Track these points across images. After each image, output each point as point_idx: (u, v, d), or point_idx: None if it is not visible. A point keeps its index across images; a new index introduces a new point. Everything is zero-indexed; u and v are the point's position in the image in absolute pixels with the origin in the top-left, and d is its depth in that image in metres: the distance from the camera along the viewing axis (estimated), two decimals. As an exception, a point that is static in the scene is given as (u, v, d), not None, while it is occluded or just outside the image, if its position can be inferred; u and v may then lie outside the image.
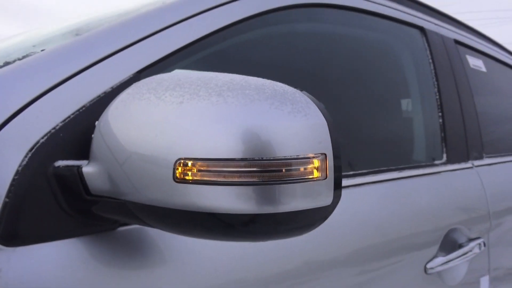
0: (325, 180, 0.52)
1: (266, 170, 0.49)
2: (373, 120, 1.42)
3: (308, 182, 0.51)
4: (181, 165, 0.51)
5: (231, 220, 0.52)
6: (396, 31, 1.45)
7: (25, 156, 0.63)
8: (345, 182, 1.07)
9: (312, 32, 1.31)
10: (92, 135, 0.64)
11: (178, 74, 0.62)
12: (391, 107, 1.50)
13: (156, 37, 0.81)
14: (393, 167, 1.25)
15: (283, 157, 0.49)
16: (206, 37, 0.88)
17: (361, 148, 1.38)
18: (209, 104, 0.52)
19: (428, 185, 1.34)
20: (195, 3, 0.89)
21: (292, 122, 0.51)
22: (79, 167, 0.63)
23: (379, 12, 1.38)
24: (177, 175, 0.51)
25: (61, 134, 0.66)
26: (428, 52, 1.40)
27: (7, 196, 0.60)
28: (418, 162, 1.42)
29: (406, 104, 1.48)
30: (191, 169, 0.50)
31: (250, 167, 0.49)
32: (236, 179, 0.49)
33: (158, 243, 0.71)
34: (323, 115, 0.53)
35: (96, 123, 0.65)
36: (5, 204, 0.59)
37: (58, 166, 0.64)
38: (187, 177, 0.51)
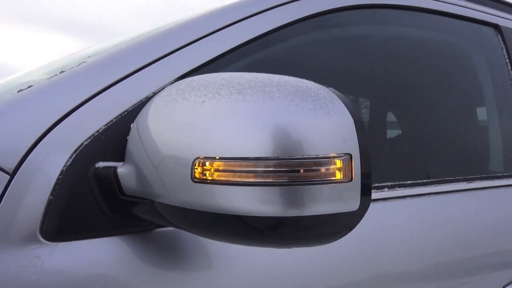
0: (351, 182, 0.48)
1: (281, 170, 0.46)
2: (444, 128, 1.31)
3: (331, 184, 0.47)
4: (200, 164, 0.50)
5: (256, 223, 0.49)
6: (467, 30, 1.33)
7: (70, 157, 0.66)
8: (415, 190, 1.00)
9: (378, 35, 1.26)
10: (127, 137, 0.67)
11: (208, 75, 0.62)
12: (463, 113, 1.38)
13: (200, 42, 0.82)
14: (471, 177, 1.14)
15: (300, 157, 0.46)
16: (252, 40, 0.87)
17: (431, 157, 1.28)
18: (228, 102, 0.51)
19: (507, 198, 1.20)
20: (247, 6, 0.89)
21: (313, 119, 0.47)
22: (115, 168, 0.65)
23: (447, 11, 1.28)
24: (196, 174, 0.50)
25: (102, 137, 0.69)
26: (504, 51, 1.27)
27: (52, 194, 0.64)
28: (495, 172, 1.28)
29: (480, 110, 1.35)
30: (209, 169, 0.49)
31: (263, 166, 0.46)
32: (250, 179, 0.47)
33: (193, 245, 0.70)
34: (350, 113, 0.49)
35: (132, 125, 0.67)
36: (49, 201, 0.63)
37: (98, 167, 0.67)
38: (205, 177, 0.50)
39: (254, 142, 0.47)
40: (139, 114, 0.66)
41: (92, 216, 0.66)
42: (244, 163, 0.47)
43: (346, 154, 0.47)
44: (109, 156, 0.69)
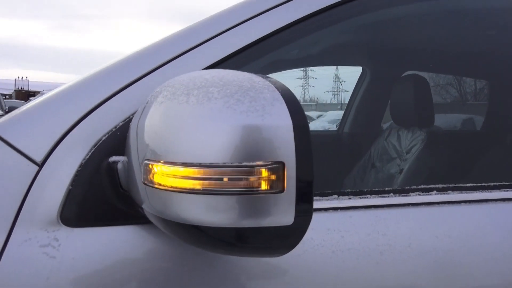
0: (282, 194, 0.43)
1: (204, 177, 0.44)
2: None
3: (257, 195, 0.43)
4: (147, 167, 0.50)
5: (208, 232, 0.48)
6: None
7: (89, 151, 0.73)
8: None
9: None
10: (127, 134, 0.70)
11: (189, 74, 0.61)
12: None
13: (215, 40, 0.81)
14: None
15: (222, 164, 0.43)
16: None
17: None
18: (175, 104, 0.50)
19: None
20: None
21: (242, 122, 0.43)
22: (117, 162, 0.69)
23: None
24: (145, 177, 0.51)
25: (118, 133, 0.75)
26: None
27: (71, 184, 0.72)
28: None
29: None
30: (154, 172, 0.50)
31: (191, 173, 0.44)
32: (182, 186, 0.46)
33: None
34: (291, 116, 0.44)
35: (130, 123, 0.71)
36: (68, 191, 0.71)
37: (110, 161, 0.72)
38: (151, 180, 0.50)
39: (184, 147, 0.45)
40: (136, 112, 0.69)
41: (104, 206, 0.72)
42: (174, 168, 0.46)
43: (276, 162, 0.42)
44: (123, 150, 0.74)
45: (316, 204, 0.74)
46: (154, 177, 0.49)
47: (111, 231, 0.71)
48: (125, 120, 0.76)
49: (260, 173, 0.42)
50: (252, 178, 0.42)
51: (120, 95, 0.77)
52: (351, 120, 2.10)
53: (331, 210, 0.75)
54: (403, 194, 0.79)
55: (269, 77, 0.50)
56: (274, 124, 0.43)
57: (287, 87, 0.47)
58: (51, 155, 0.73)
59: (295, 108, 0.44)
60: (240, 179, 0.43)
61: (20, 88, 37.90)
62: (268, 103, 0.44)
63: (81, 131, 0.75)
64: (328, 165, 1.97)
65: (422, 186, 0.81)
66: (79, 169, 0.72)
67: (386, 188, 0.80)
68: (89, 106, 0.76)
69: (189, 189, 0.45)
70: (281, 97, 0.45)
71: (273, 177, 0.42)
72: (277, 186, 0.42)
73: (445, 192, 0.81)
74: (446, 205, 0.80)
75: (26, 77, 42.34)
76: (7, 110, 8.47)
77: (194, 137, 0.45)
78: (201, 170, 0.44)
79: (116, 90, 0.78)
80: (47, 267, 0.67)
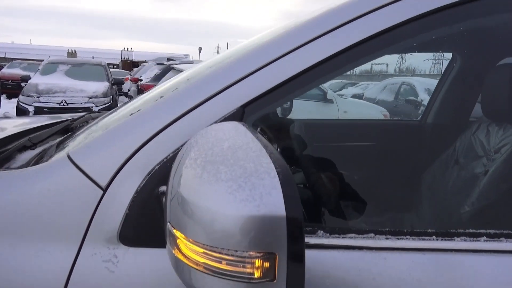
0: (273, 282, 0.45)
1: (207, 256, 0.48)
2: None
3: (250, 283, 0.46)
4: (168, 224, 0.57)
5: None
6: None
7: (143, 179, 0.82)
8: None
9: None
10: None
11: (216, 135, 0.64)
12: None
13: (265, 69, 0.83)
14: None
15: (219, 249, 0.47)
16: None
17: None
18: (193, 175, 0.54)
19: None
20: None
21: (240, 212, 0.46)
22: (164, 195, 0.77)
23: None
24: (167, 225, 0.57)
25: (168, 164, 0.82)
26: None
27: (128, 209, 0.81)
28: None
29: None
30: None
31: (194, 247, 0.49)
32: (186, 253, 0.51)
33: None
34: (286, 207, 0.45)
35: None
36: (125, 215, 0.81)
37: (159, 191, 0.80)
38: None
39: (193, 220, 0.50)
40: (179, 153, 0.74)
41: (156, 230, 0.81)
42: (181, 235, 0.51)
43: (269, 253, 0.45)
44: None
45: (351, 242, 0.75)
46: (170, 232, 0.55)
47: (162, 252, 0.80)
48: (175, 151, 0.83)
49: (254, 262, 0.45)
50: (246, 266, 0.46)
51: (173, 126, 0.84)
52: (436, 110, 1.96)
53: (365, 249, 0.75)
54: (446, 238, 0.75)
55: (276, 153, 0.52)
56: (268, 216, 0.46)
57: (288, 171, 0.48)
58: (114, 181, 0.83)
59: (291, 197, 0.46)
60: (236, 265, 0.46)
61: (125, 59, 40.73)
62: (266, 192, 0.46)
63: (139, 160, 0.84)
64: (407, 157, 1.88)
65: (470, 231, 0.76)
66: (135, 195, 0.82)
67: (429, 230, 0.77)
68: (145, 137, 0.84)
69: (195, 261, 0.50)
70: (279, 185, 0.47)
71: (266, 265, 0.45)
72: (269, 275, 0.45)
73: (497, 239, 0.75)
74: (499, 254, 0.74)
75: (131, 48, 45.52)
76: (112, 82, 8.93)
77: (201, 215, 0.49)
78: (203, 249, 0.48)
79: (170, 121, 0.85)
80: (107, 280, 0.79)
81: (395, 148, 1.97)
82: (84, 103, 7.88)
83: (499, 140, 1.65)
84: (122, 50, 44.41)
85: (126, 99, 14.56)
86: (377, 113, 6.19)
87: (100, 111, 7.83)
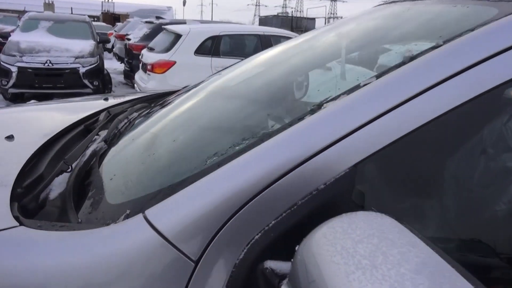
0: None
1: None
2: None
3: None
4: None
5: None
6: None
7: (242, 251, 0.71)
8: None
9: None
10: (291, 260, 0.66)
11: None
12: None
13: None
14: None
15: None
16: None
17: None
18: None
19: None
20: None
21: None
22: (280, 282, 0.66)
23: None
24: None
25: (272, 234, 0.71)
26: None
27: (226, 285, 0.71)
28: None
29: None
30: None
31: None
32: None
33: None
34: None
35: (297, 247, 0.65)
36: (224, 291, 0.71)
37: (266, 268, 0.70)
38: None
39: None
40: (309, 236, 0.63)
41: None
42: None
43: None
44: (278, 253, 0.71)
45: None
46: None
47: None
48: (277, 218, 0.72)
49: None
50: None
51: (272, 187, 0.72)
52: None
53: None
54: None
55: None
56: None
57: None
58: (205, 254, 0.72)
59: None
60: None
61: (106, 11, 38.62)
62: None
63: (234, 226, 0.72)
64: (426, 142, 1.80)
65: None
66: (233, 270, 0.71)
67: None
68: (246, 197, 0.72)
69: None
70: None
71: None
72: None
73: None
74: None
75: (112, -1, 43.03)
76: (98, 40, 8.42)
77: None
78: None
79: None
80: None
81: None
82: (70, 63, 7.49)
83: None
84: (102, 2, 42.24)
85: (111, 56, 13.92)
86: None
87: (87, 72, 7.52)
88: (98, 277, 0.71)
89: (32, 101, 2.25)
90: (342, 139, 0.74)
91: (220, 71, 1.82)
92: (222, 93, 1.49)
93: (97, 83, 7.65)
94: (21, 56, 7.31)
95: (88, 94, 7.21)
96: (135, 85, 6.65)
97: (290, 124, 0.82)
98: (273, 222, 0.72)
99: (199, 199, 0.75)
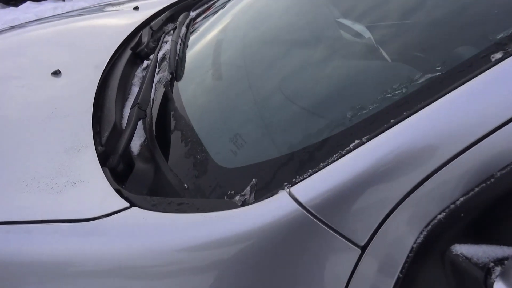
0: None
1: None
2: None
3: None
4: None
5: None
6: None
7: (420, 233, 0.59)
8: None
9: None
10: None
11: None
12: None
13: None
14: None
15: None
16: None
17: None
18: None
19: None
20: None
21: None
22: (488, 276, 0.54)
23: None
24: None
25: (462, 214, 0.57)
26: None
27: (401, 271, 0.60)
28: None
29: None
30: None
31: None
32: None
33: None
34: None
35: None
36: (398, 278, 0.60)
37: (455, 254, 0.57)
38: None
39: None
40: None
41: None
42: None
43: None
44: (468, 235, 0.58)
45: None
46: None
47: None
48: (468, 193, 0.57)
49: None
50: None
51: (461, 157, 0.56)
52: None
53: None
54: None
55: None
56: None
57: None
58: (373, 239, 0.59)
59: None
60: None
61: None
62: None
63: (410, 207, 0.58)
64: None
65: None
66: (410, 254, 0.59)
67: None
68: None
69: None
70: None
71: None
72: None
73: None
74: None
75: None
76: None
77: None
78: None
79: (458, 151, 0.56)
80: None
81: None
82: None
83: None
84: None
85: None
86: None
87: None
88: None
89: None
90: None
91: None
92: None
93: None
94: None
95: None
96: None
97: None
98: (461, 199, 0.57)
99: (362, 198, 0.59)
